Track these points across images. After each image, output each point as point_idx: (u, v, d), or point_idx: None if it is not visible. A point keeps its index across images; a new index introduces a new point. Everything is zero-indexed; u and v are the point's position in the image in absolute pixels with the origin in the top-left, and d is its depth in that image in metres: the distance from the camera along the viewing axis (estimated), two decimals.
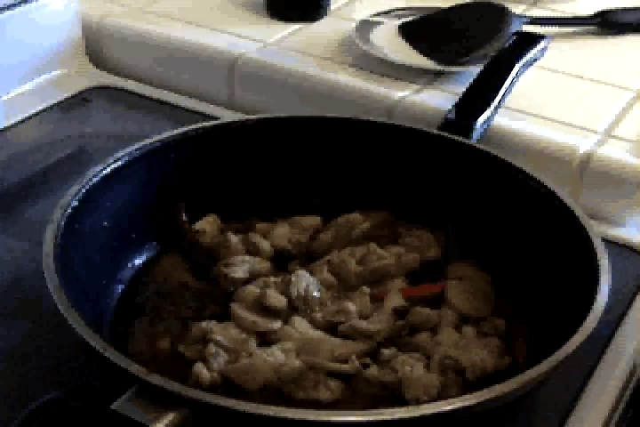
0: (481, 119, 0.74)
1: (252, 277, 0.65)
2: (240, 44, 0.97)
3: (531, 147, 0.81)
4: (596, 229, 0.61)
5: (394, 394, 0.57)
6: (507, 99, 0.78)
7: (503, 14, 0.93)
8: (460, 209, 0.71)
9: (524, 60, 0.81)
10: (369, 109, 0.87)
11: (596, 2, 1.07)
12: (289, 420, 0.46)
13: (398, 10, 1.03)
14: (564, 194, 0.64)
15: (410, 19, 1.00)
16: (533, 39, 0.85)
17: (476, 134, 0.73)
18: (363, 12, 1.03)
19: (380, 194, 0.73)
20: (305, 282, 0.63)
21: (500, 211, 0.69)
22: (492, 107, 0.76)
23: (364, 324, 0.61)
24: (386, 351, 0.59)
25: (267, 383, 0.56)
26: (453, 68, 0.92)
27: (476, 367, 0.59)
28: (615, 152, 0.79)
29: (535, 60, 0.84)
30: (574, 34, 1.02)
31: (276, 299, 0.61)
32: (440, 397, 0.57)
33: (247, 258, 0.67)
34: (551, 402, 0.60)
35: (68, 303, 0.51)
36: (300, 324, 0.61)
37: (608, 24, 1.01)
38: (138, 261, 0.69)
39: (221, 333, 0.59)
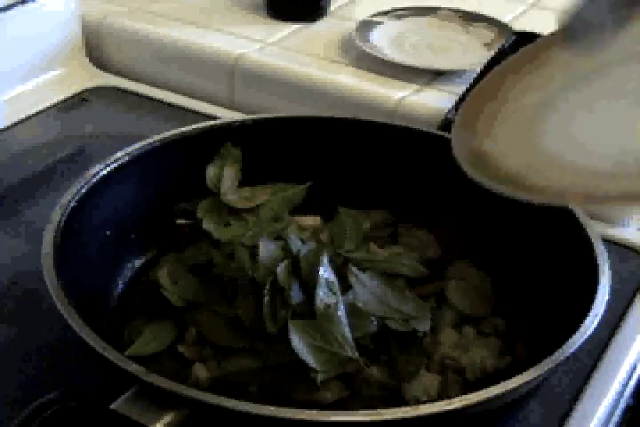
0: None
1: None
2: (240, 44, 0.97)
3: None
4: (596, 229, 0.61)
5: (394, 394, 0.57)
6: None
7: None
8: (459, 209, 0.71)
9: None
10: (369, 109, 0.87)
11: None
12: (289, 420, 0.46)
13: (398, 10, 1.03)
14: None
15: None
16: (533, 39, 0.85)
17: None
18: (363, 12, 1.03)
19: (379, 194, 0.73)
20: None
21: (499, 211, 0.68)
22: None
23: None
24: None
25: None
26: (453, 68, 0.92)
27: (475, 367, 0.59)
28: None
29: None
30: None
31: None
32: (440, 397, 0.57)
33: None
34: (551, 402, 0.60)
35: (67, 303, 0.51)
36: None
37: None
38: (137, 261, 0.69)
39: None
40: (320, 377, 0.53)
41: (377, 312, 0.59)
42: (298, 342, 0.54)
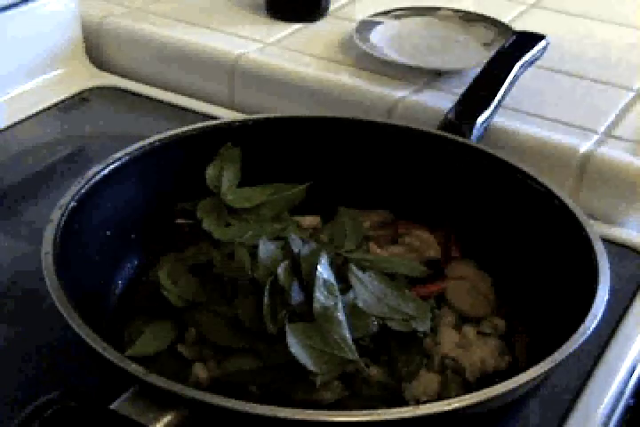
0: (481, 119, 0.74)
1: None
2: (240, 44, 0.97)
3: (531, 147, 0.81)
4: (596, 229, 0.61)
5: (394, 394, 0.57)
6: (507, 99, 0.78)
7: None
8: (459, 209, 0.71)
9: (524, 60, 0.81)
10: (369, 109, 0.87)
11: None
12: (289, 420, 0.46)
13: (398, 10, 1.03)
14: (563, 194, 0.64)
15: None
16: (533, 39, 0.85)
17: (476, 134, 0.73)
18: (363, 12, 1.03)
19: (380, 194, 0.73)
20: None
21: (499, 211, 0.69)
22: (492, 107, 0.76)
23: None
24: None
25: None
26: (453, 68, 0.92)
27: (475, 367, 0.59)
28: (615, 152, 0.79)
29: (535, 60, 0.84)
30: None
31: None
32: (440, 397, 0.57)
33: None
34: (551, 402, 0.60)
35: (67, 303, 0.51)
36: None
37: None
38: (137, 261, 0.69)
39: None
40: (319, 380, 0.53)
41: (377, 312, 0.59)
42: (296, 346, 0.53)
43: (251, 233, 0.66)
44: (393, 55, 0.93)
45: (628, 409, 0.63)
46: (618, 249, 0.75)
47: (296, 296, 0.57)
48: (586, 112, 0.86)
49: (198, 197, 0.70)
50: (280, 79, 0.92)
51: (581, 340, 0.51)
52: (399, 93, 0.88)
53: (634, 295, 0.71)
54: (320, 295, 0.56)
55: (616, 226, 0.79)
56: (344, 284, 0.59)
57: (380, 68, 0.92)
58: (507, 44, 0.84)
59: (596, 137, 0.82)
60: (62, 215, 0.59)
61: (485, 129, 0.75)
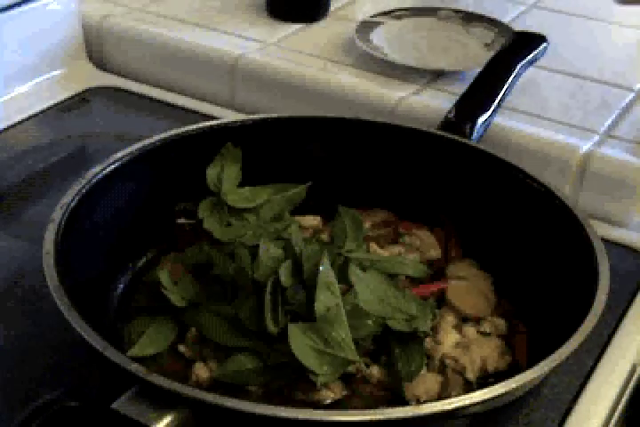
0: (481, 119, 0.74)
1: None
2: (240, 44, 0.97)
3: (531, 147, 0.81)
4: (596, 229, 0.61)
5: (394, 394, 0.57)
6: (507, 99, 0.78)
7: None
8: (460, 209, 0.71)
9: (524, 60, 0.81)
10: (369, 109, 0.87)
11: None
12: (289, 420, 0.46)
13: (398, 10, 1.03)
14: (563, 194, 0.64)
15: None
16: (533, 39, 0.85)
17: (476, 134, 0.73)
18: (363, 13, 1.03)
19: (380, 194, 0.73)
20: None
21: (500, 211, 0.69)
22: (492, 107, 0.76)
23: None
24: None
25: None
26: (453, 68, 0.92)
27: (475, 367, 0.59)
28: (615, 152, 0.80)
29: (535, 60, 0.84)
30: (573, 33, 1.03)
31: None
32: (440, 397, 0.57)
33: None
34: (551, 402, 0.60)
35: (68, 303, 0.51)
36: None
37: None
38: (138, 262, 0.69)
39: None
40: (320, 380, 0.53)
41: (378, 312, 0.59)
42: (298, 346, 0.53)
43: (251, 233, 0.66)
44: (393, 55, 0.93)
45: (627, 409, 0.63)
46: (618, 249, 0.75)
47: (297, 296, 0.57)
48: (586, 112, 0.86)
49: (198, 197, 0.70)
50: (280, 79, 0.92)
51: (581, 340, 0.51)
52: (399, 93, 0.88)
53: (634, 295, 0.71)
54: (322, 296, 0.56)
55: (616, 226, 0.79)
56: (345, 284, 0.59)
57: (380, 69, 0.92)
58: (507, 45, 0.84)
59: (596, 137, 0.82)
60: (63, 215, 0.59)
61: (485, 129, 0.75)
